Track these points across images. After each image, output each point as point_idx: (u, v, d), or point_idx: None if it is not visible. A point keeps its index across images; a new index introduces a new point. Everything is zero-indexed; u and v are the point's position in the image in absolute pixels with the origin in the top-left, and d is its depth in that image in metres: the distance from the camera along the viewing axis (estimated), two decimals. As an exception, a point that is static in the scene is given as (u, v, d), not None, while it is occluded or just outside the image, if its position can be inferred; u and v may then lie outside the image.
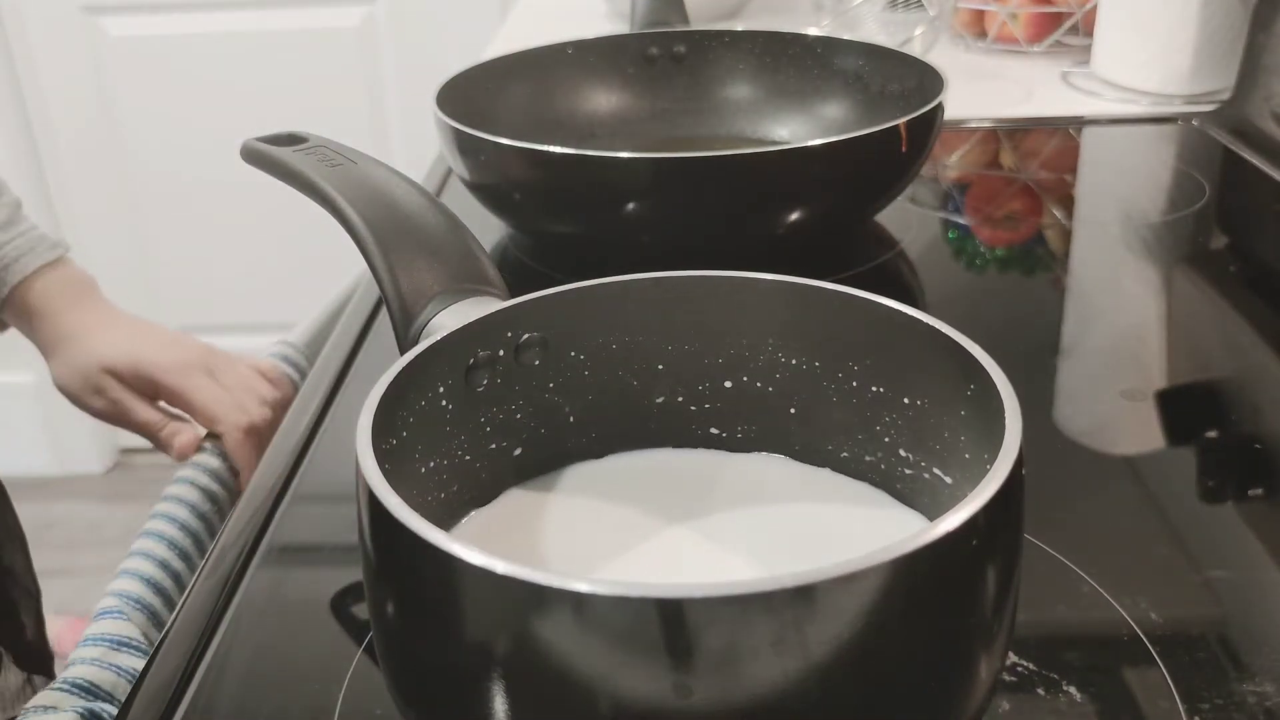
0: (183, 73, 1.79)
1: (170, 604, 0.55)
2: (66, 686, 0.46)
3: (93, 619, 0.51)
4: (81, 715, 0.45)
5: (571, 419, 0.44)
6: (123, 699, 0.44)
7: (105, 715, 0.45)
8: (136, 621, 0.51)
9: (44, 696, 0.45)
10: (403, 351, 0.39)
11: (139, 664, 0.48)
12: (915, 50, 0.90)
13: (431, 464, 0.39)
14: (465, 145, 0.67)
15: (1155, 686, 0.39)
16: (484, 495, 0.42)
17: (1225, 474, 0.52)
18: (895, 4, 1.05)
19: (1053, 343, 0.64)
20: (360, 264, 0.43)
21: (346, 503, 0.33)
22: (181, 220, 1.88)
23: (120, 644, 0.49)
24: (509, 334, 0.41)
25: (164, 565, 0.56)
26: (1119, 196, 0.86)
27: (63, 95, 1.80)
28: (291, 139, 0.50)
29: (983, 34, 1.13)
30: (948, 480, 0.39)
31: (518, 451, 0.43)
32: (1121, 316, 0.68)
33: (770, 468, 0.44)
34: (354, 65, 1.78)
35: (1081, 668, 0.40)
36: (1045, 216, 0.82)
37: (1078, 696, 0.39)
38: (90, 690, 0.46)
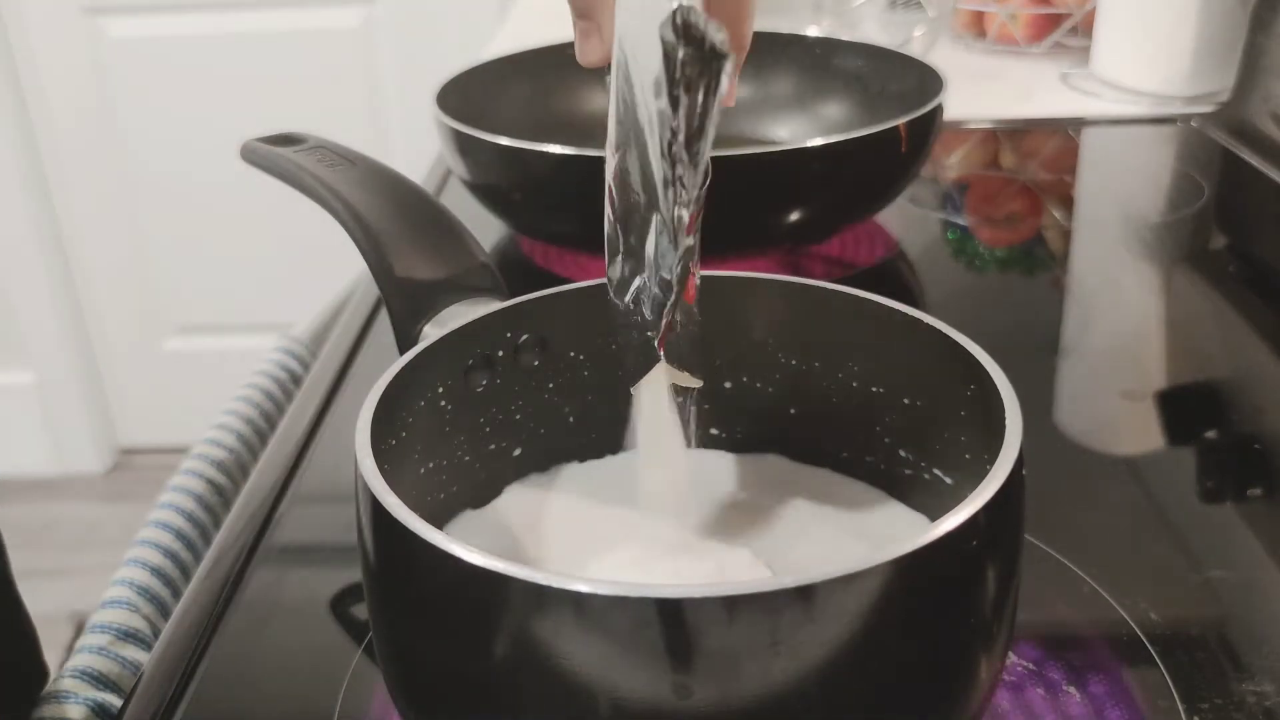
0: (183, 73, 1.78)
1: (177, 595, 0.55)
2: (77, 674, 0.46)
3: (100, 606, 0.51)
4: (90, 707, 0.45)
5: (571, 419, 0.43)
6: (127, 690, 0.44)
7: (111, 707, 0.45)
8: (145, 612, 0.51)
9: (58, 683, 0.46)
10: (402, 351, 0.39)
11: (143, 657, 0.48)
12: (915, 51, 0.90)
13: (431, 464, 0.39)
14: (465, 145, 0.67)
15: (1155, 686, 0.39)
16: (483, 495, 0.42)
17: (1225, 474, 0.52)
18: (895, 4, 1.05)
19: (1053, 343, 0.64)
20: (360, 264, 0.43)
21: (346, 503, 0.33)
22: (181, 220, 1.88)
23: (126, 634, 0.49)
24: (508, 334, 0.41)
25: (171, 555, 0.56)
26: (1119, 197, 0.86)
27: (63, 95, 1.80)
28: (291, 139, 0.50)
29: (982, 34, 1.13)
30: (948, 480, 0.39)
31: (517, 452, 0.43)
32: (1121, 316, 0.68)
33: (770, 468, 0.44)
34: (354, 65, 1.78)
35: (1081, 668, 0.40)
36: (1045, 217, 0.82)
37: (1078, 697, 0.39)
38: (99, 680, 0.46)
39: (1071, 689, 0.39)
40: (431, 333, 0.40)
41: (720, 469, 0.44)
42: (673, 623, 0.26)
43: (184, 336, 1.99)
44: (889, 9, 1.06)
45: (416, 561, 0.29)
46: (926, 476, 0.40)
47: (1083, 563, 0.44)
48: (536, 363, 0.42)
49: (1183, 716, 0.38)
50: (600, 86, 0.85)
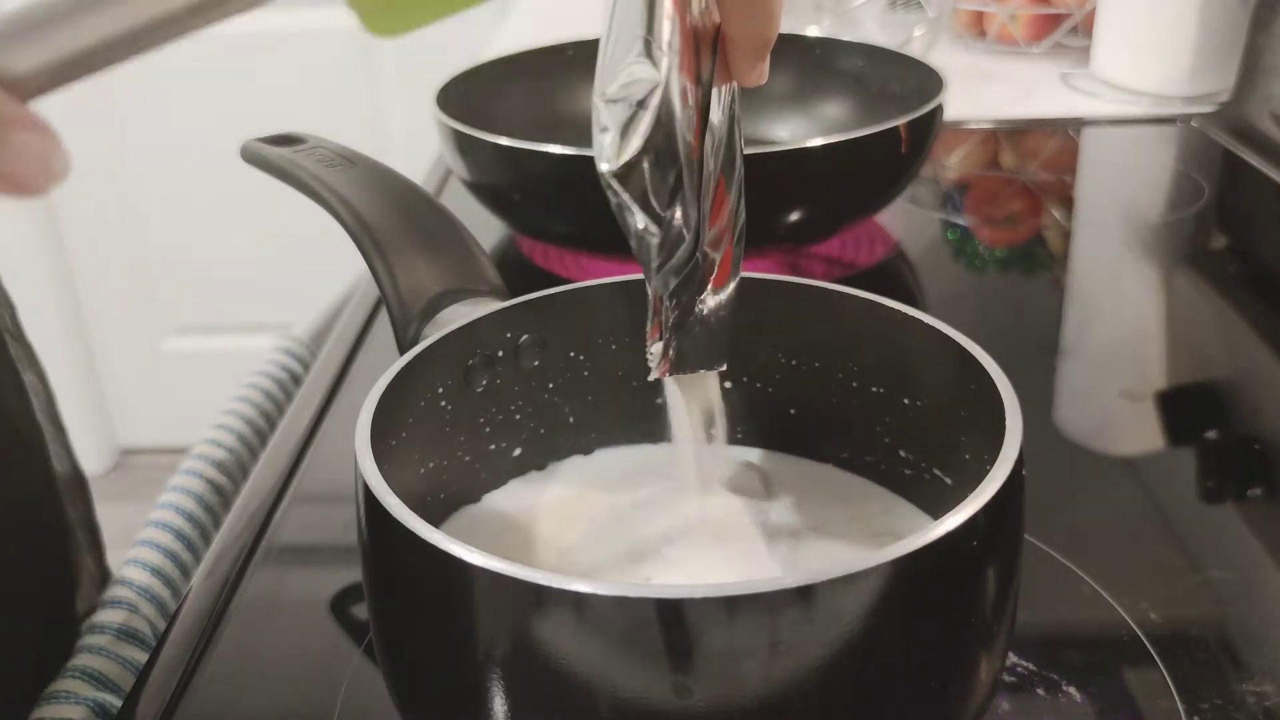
0: (183, 73, 1.78)
1: (177, 595, 0.55)
2: (77, 674, 0.46)
3: (100, 606, 0.51)
4: (90, 707, 0.45)
5: (571, 419, 0.43)
6: (127, 690, 0.44)
7: (111, 707, 0.45)
8: (145, 612, 0.51)
9: (59, 683, 0.46)
10: (402, 352, 0.39)
11: (143, 657, 0.48)
12: (915, 51, 0.90)
13: (431, 464, 0.39)
14: (465, 145, 0.67)
15: (1155, 686, 0.39)
16: (483, 495, 0.42)
17: (1225, 474, 0.52)
18: (895, 4, 1.05)
19: (1053, 343, 0.64)
20: (360, 264, 0.43)
21: (346, 503, 0.33)
22: (181, 220, 1.88)
23: (126, 634, 0.49)
24: (508, 334, 0.41)
25: (171, 555, 0.56)
26: (1119, 197, 0.86)
27: (61, 95, 1.80)
28: (290, 139, 0.50)
29: (982, 35, 1.13)
30: (948, 481, 0.39)
31: (517, 452, 0.43)
32: (1121, 316, 0.68)
33: (770, 467, 0.44)
34: (354, 65, 1.78)
35: (1081, 668, 0.40)
36: (1045, 217, 0.82)
37: (1078, 696, 0.39)
38: (99, 680, 0.46)
39: (1071, 689, 0.39)
40: (431, 333, 0.40)
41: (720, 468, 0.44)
42: (673, 623, 0.26)
43: (184, 336, 1.99)
44: (889, 9, 1.06)
45: (416, 561, 0.29)
46: (926, 476, 0.40)
47: (1083, 563, 0.44)
48: (536, 363, 0.42)
49: (1183, 716, 0.38)
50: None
